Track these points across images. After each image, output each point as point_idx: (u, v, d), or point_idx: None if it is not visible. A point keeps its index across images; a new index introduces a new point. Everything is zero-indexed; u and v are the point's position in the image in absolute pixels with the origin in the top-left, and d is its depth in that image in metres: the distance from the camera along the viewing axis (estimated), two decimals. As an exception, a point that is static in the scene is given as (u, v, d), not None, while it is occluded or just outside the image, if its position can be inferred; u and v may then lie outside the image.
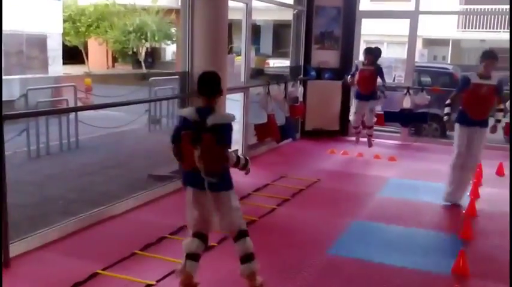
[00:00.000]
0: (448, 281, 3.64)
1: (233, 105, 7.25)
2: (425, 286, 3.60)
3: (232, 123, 3.18)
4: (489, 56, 5.18)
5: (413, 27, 8.68)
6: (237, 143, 7.15)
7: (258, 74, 11.97)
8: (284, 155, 7.66)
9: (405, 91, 8.48)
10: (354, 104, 7.87)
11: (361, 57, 7.99)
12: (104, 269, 3.54)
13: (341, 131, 9.11)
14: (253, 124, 7.38)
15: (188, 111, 3.22)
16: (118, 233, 4.27)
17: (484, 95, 5.10)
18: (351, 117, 7.98)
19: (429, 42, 20.71)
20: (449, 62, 19.03)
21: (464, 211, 5.09)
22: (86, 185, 6.12)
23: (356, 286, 3.57)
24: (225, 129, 3.13)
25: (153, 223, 4.56)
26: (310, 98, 8.87)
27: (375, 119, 7.93)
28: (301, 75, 8.90)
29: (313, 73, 8.89)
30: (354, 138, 8.42)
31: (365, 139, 8.00)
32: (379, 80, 7.58)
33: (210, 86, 3.21)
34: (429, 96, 8.38)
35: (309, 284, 3.57)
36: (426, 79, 10.63)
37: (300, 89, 8.55)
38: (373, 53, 7.63)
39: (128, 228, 4.38)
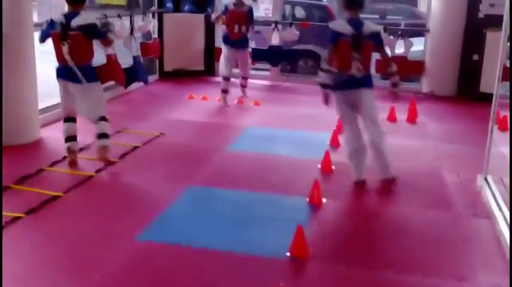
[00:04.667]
0: (282, 267, 2.89)
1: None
2: (252, 276, 2.81)
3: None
4: None
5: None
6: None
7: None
8: (131, 103, 6.50)
9: (273, 26, 7.58)
10: (223, 50, 6.71)
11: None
12: None
13: (207, 70, 8.07)
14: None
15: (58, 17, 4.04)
16: None
17: None
18: (220, 66, 6.86)
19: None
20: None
21: (319, 166, 4.40)
22: None
23: (162, 285, 2.70)
24: (90, 29, 4.00)
25: None
26: (167, 34, 7.67)
27: (250, 67, 6.92)
28: (155, 7, 7.60)
29: (169, 5, 7.64)
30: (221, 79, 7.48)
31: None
32: None
33: None
34: (298, 32, 7.57)
35: (106, 284, 2.65)
36: (301, 13, 9.84)
37: (153, 23, 7.30)
38: None
39: None
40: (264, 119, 5.92)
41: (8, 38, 4.44)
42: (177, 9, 7.65)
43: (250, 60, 6.92)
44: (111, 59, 6.18)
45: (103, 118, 4.23)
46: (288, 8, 9.57)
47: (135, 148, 4.73)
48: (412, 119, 6.04)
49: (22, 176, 3.96)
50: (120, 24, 6.45)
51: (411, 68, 7.40)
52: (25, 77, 4.69)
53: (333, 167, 4.37)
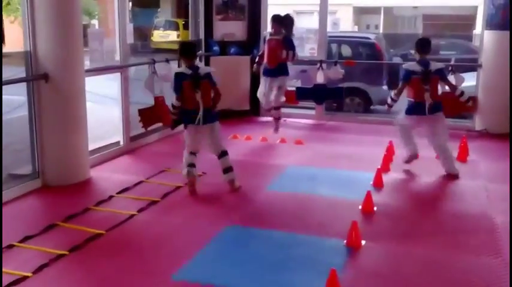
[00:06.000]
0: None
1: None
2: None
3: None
4: None
5: (324, -6, 7.80)
6: (118, 132, 6.11)
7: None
8: (177, 144, 6.58)
9: (318, 65, 7.65)
10: (261, 81, 6.90)
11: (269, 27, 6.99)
12: None
13: (252, 111, 8.19)
14: (137, 109, 6.35)
15: (183, 69, 4.64)
16: None
17: None
18: (260, 98, 7.03)
19: (360, 11, 20.01)
20: (381, 30, 18.37)
21: (360, 207, 4.30)
22: None
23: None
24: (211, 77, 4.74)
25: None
26: (214, 76, 7.85)
27: (283, 99, 6.99)
28: (203, 51, 7.87)
29: (216, 48, 7.87)
30: (266, 119, 7.53)
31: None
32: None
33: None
34: (343, 70, 7.58)
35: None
36: (347, 51, 9.87)
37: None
38: (279, 21, 6.64)
39: None
40: (305, 158, 5.89)
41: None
42: (223, 52, 7.88)
43: (286, 91, 6.89)
44: (159, 102, 6.46)
45: (225, 153, 4.80)
46: (334, 46, 9.64)
47: (178, 187, 4.82)
48: (462, 157, 5.79)
49: (69, 215, 4.13)
50: (168, 68, 6.71)
51: (463, 105, 7.12)
52: (76, 121, 4.93)
53: (375, 208, 4.27)
